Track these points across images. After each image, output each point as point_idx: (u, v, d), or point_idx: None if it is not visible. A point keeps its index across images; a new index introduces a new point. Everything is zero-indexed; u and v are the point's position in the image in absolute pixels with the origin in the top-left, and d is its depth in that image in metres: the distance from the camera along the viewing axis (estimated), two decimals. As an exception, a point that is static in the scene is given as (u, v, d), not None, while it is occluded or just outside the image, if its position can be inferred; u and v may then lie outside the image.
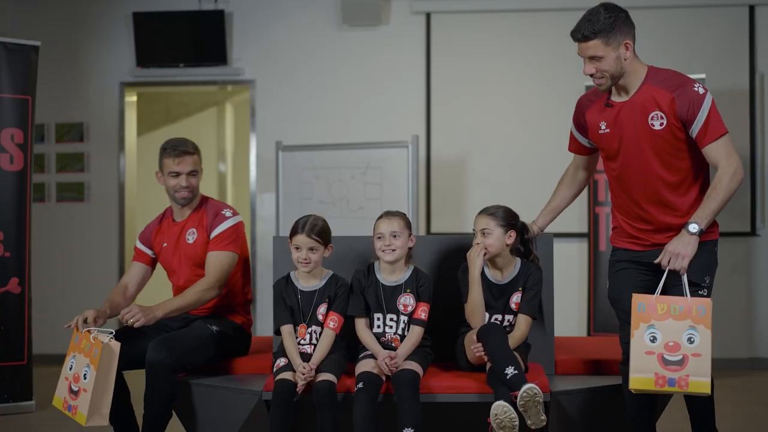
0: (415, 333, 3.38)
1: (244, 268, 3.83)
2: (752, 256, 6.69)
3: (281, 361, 3.37)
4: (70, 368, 3.35)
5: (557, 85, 6.74)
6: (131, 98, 7.34)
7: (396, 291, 3.42)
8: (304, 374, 3.22)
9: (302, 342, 3.41)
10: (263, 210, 7.06)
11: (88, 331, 3.33)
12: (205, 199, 3.83)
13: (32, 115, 5.19)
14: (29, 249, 5.14)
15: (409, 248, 3.46)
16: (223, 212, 3.74)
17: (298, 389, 3.23)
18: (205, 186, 4.13)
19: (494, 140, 6.85)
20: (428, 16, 6.93)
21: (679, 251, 2.99)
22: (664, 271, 3.02)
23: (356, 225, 6.13)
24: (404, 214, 3.48)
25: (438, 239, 4.18)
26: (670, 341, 2.88)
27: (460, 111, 6.87)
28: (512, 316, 3.46)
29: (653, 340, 2.89)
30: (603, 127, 3.24)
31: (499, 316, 3.46)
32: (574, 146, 3.50)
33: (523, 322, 3.43)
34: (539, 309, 3.53)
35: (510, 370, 3.09)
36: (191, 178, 3.72)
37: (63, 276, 7.04)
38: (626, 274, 3.26)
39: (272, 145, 6.73)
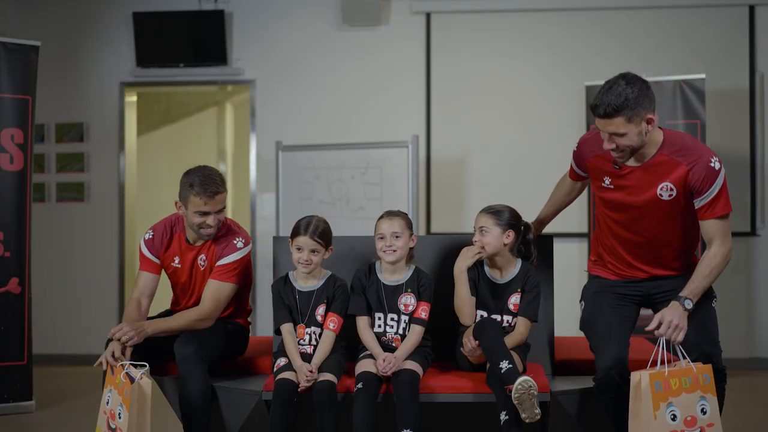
0: (416, 332, 3.38)
1: (247, 287, 3.76)
2: (752, 256, 6.69)
3: (281, 361, 3.37)
4: (107, 403, 3.26)
5: (557, 85, 6.74)
6: (131, 98, 7.33)
7: (397, 291, 3.42)
8: (306, 377, 3.22)
9: (301, 342, 3.40)
10: (263, 210, 7.05)
11: (122, 365, 3.22)
12: (222, 225, 3.62)
13: (32, 115, 5.19)
14: (29, 249, 5.13)
15: (411, 248, 3.46)
16: (235, 242, 3.58)
17: (299, 390, 3.23)
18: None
19: (494, 140, 6.85)
20: (428, 16, 6.93)
21: (678, 323, 3.00)
22: (656, 330, 3.02)
23: (356, 225, 6.13)
24: (405, 214, 3.47)
25: (438, 239, 4.17)
26: (688, 416, 2.94)
27: (460, 111, 6.87)
28: (511, 317, 3.46)
29: (674, 418, 2.93)
30: (607, 182, 3.21)
31: (498, 317, 3.46)
32: (575, 176, 3.49)
33: (522, 324, 3.42)
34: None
35: (504, 365, 3.10)
36: (219, 215, 3.51)
37: (63, 276, 7.03)
38: (603, 297, 3.29)
39: (272, 145, 6.73)
